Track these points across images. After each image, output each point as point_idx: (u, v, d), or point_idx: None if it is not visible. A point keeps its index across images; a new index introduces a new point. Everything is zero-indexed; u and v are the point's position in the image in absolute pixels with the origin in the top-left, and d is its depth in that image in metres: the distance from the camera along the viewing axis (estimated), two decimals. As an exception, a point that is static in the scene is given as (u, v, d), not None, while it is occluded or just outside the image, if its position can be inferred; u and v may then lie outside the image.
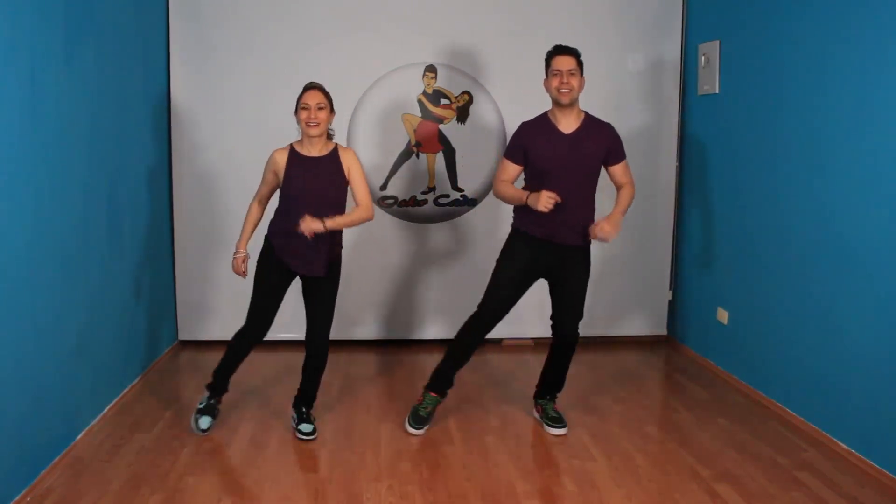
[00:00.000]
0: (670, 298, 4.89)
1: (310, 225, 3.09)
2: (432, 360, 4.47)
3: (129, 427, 3.42)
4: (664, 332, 4.93)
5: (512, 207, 3.42)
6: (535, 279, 3.40)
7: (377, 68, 4.53)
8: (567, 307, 3.37)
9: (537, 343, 4.78)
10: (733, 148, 4.17)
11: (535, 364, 4.40)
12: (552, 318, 3.43)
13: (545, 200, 3.13)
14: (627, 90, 4.67)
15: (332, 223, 3.14)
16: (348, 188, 3.30)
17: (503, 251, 3.41)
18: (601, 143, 3.29)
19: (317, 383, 3.44)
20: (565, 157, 3.24)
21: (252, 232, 3.38)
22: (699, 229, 4.58)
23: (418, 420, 3.46)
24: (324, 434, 3.40)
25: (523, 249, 3.33)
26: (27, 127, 2.79)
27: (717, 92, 4.32)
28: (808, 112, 3.51)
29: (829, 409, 3.36)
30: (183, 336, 4.68)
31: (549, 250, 3.30)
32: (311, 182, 3.19)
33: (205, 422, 3.39)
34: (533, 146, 3.28)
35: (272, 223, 3.31)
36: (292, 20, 4.46)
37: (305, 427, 3.37)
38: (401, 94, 4.57)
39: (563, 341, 3.43)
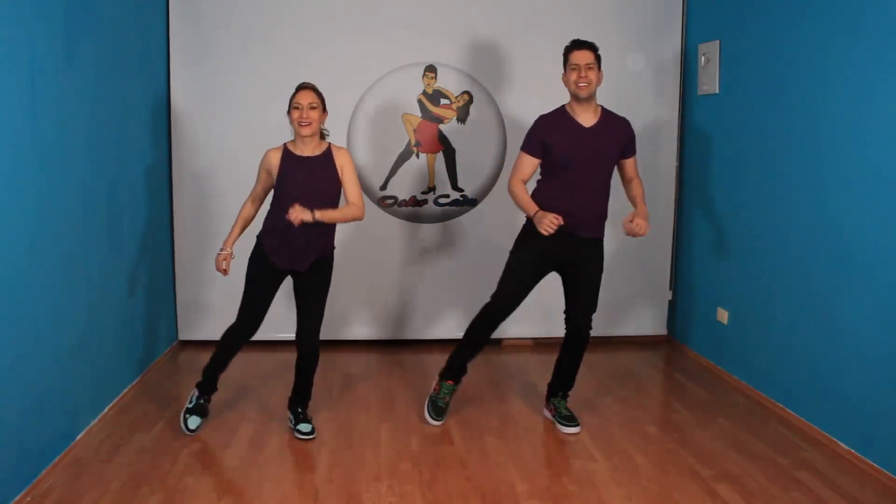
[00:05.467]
0: (670, 298, 4.89)
1: (298, 214, 3.08)
2: (432, 360, 4.49)
3: (128, 427, 3.42)
4: (664, 332, 4.93)
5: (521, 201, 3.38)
6: (548, 272, 3.43)
7: (377, 68, 4.53)
8: (581, 300, 3.40)
9: (537, 343, 4.78)
10: (733, 148, 4.16)
11: (535, 364, 4.42)
12: (565, 311, 3.45)
13: (549, 223, 3.16)
14: (627, 90, 4.66)
15: (321, 215, 3.14)
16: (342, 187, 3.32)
17: (517, 242, 3.42)
18: (619, 136, 3.34)
19: (311, 382, 3.43)
20: (587, 149, 3.28)
21: (241, 231, 3.35)
22: (699, 229, 4.58)
23: (438, 412, 3.53)
24: (324, 434, 3.40)
25: (539, 242, 3.29)
26: (27, 127, 2.79)
27: (717, 92, 4.32)
28: (808, 112, 3.51)
29: (828, 409, 3.36)
30: (182, 336, 4.68)
31: (564, 243, 3.30)
32: (305, 181, 3.20)
33: (193, 422, 3.38)
34: (553, 140, 3.30)
35: (265, 222, 3.30)
36: (292, 21, 4.46)
37: (304, 427, 3.37)
38: (401, 94, 4.57)
39: (576, 334, 3.44)
